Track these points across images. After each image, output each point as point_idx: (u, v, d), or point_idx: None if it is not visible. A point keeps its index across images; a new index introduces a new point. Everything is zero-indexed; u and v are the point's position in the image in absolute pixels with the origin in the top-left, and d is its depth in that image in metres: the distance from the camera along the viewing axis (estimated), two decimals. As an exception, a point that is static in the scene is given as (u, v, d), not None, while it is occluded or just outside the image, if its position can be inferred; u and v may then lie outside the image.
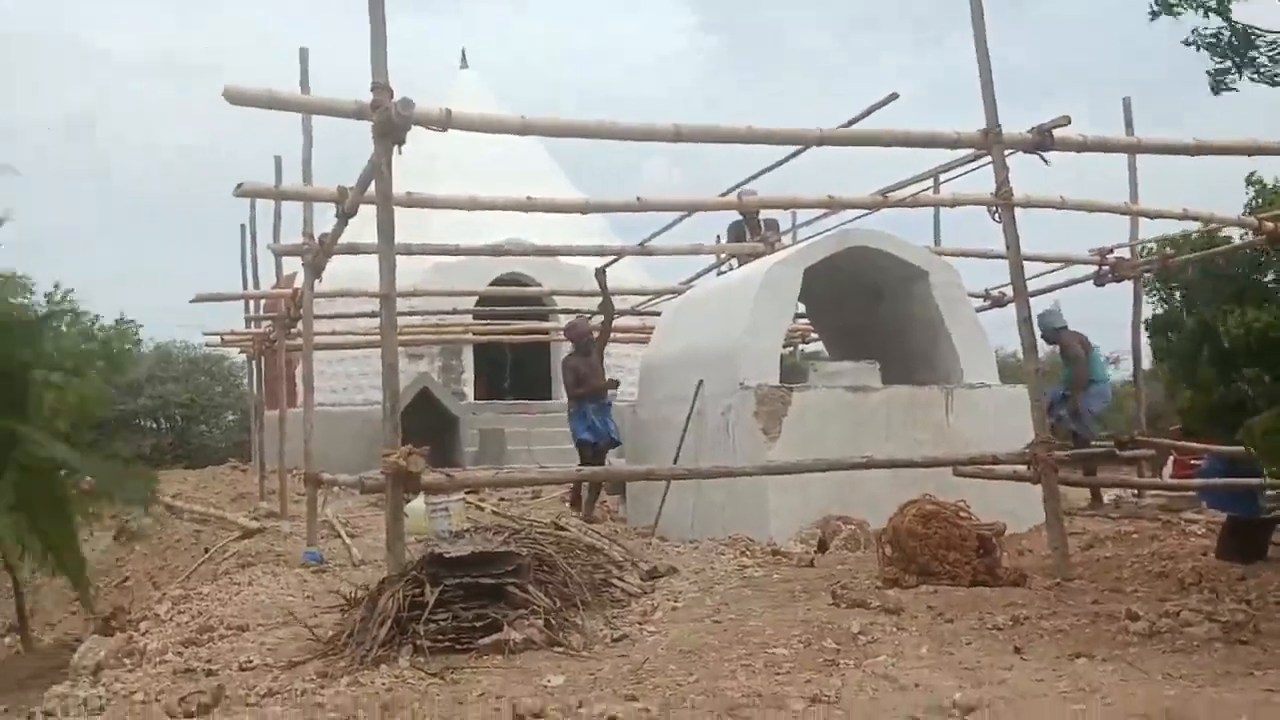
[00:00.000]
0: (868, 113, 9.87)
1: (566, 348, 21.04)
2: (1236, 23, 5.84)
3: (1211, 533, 8.26)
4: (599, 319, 13.14)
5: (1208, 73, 6.04)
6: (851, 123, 9.62)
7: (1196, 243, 13.55)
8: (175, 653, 6.06)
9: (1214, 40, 5.91)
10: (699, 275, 15.60)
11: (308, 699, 4.81)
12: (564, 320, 18.56)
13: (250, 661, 5.60)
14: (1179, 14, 6.06)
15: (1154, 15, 6.13)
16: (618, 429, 12.38)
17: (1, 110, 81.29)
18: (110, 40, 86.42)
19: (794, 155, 10.57)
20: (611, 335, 13.33)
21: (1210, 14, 5.98)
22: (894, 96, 9.77)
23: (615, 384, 12.50)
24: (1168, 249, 13.28)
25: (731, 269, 14.01)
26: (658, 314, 14.74)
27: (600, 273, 12.18)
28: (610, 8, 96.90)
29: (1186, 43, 6.27)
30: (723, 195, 11.84)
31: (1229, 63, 6.03)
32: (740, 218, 13.77)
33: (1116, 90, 16.21)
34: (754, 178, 11.85)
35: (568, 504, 12.43)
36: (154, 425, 28.10)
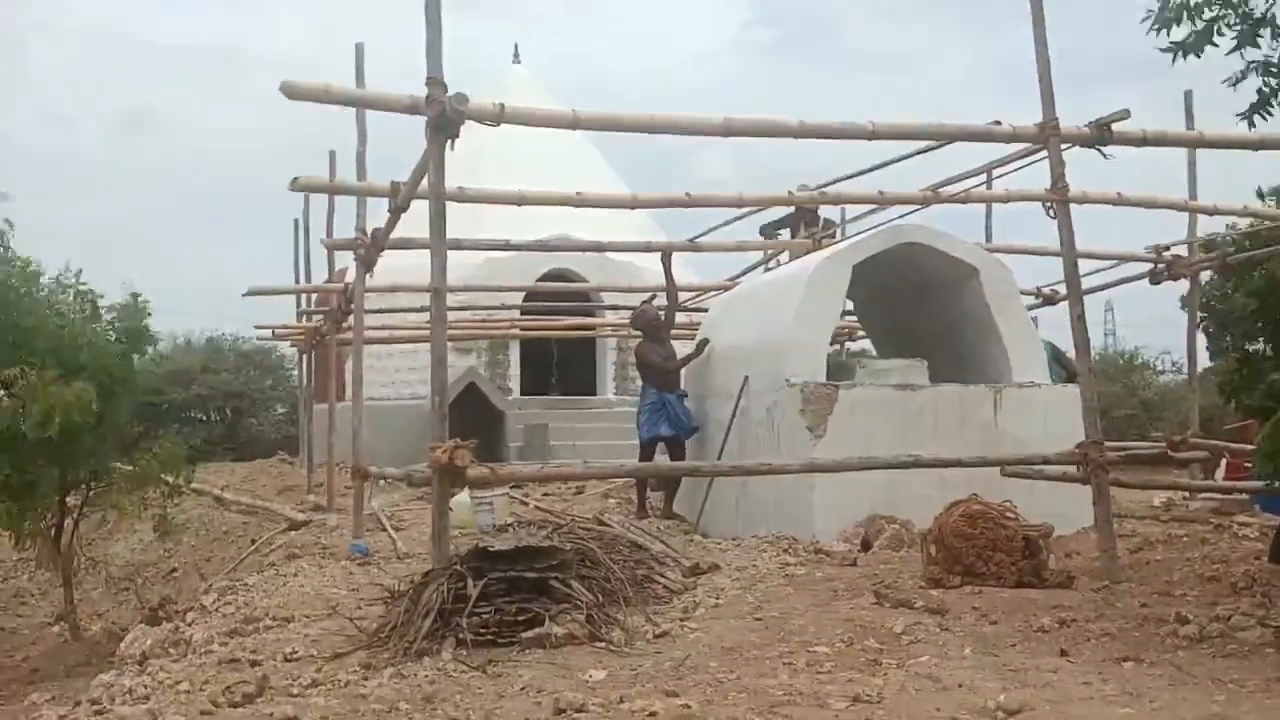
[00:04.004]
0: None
1: (613, 344, 21.18)
2: None
3: (1265, 537, 8.14)
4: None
5: (1259, 91, 5.63)
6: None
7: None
8: (220, 643, 6.13)
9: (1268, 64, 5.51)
10: (746, 271, 15.55)
11: (351, 690, 4.86)
12: (610, 316, 18.61)
13: (294, 652, 5.65)
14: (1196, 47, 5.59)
15: (1174, 56, 5.73)
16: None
17: (60, 104, 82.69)
18: (166, 35, 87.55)
19: (892, 161, 10.65)
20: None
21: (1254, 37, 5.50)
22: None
23: (705, 342, 11.84)
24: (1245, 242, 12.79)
25: (779, 265, 13.95)
26: (705, 310, 14.68)
27: (666, 256, 12.04)
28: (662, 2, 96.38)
29: (1233, 81, 5.79)
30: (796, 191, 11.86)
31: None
32: (773, 219, 13.78)
33: (1178, 82, 15.91)
34: (826, 185, 11.84)
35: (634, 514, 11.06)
36: (204, 417, 28.40)
